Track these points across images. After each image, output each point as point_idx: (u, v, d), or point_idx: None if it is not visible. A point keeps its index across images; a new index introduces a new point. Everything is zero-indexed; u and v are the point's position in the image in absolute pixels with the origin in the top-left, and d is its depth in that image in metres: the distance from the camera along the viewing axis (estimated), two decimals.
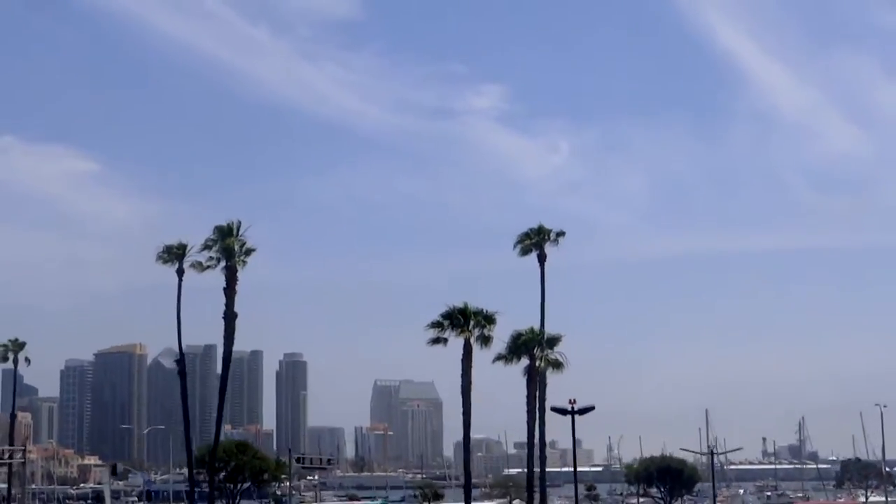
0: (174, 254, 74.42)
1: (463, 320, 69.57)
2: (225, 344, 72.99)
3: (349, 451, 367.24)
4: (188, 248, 74.31)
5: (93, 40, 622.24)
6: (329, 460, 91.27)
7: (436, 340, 70.71)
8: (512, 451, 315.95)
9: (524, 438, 76.67)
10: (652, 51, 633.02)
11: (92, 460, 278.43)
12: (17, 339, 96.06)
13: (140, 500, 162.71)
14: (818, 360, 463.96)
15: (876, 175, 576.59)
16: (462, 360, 69.73)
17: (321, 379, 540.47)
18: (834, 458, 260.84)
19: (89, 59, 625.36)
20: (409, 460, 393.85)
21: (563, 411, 55.64)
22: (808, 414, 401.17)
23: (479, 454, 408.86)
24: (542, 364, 71.38)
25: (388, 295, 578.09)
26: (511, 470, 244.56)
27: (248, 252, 73.03)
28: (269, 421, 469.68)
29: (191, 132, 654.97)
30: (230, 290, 72.35)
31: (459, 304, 70.17)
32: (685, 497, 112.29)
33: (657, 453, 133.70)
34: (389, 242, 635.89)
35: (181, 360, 77.65)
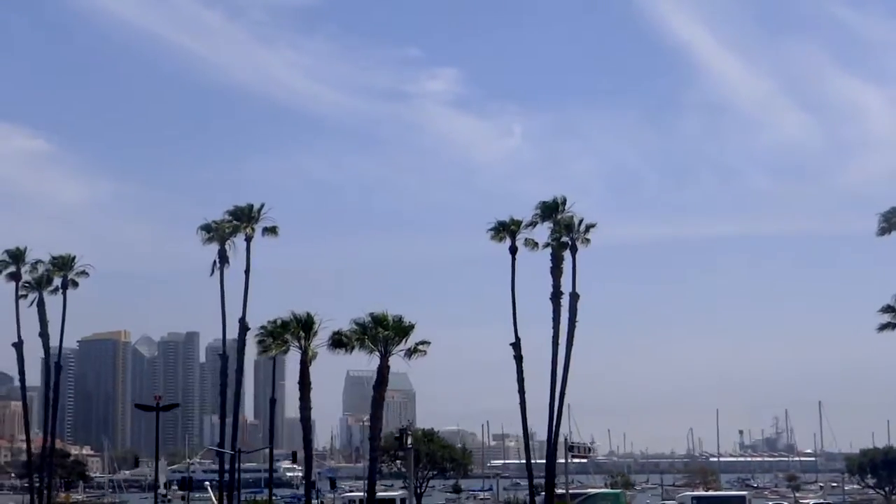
0: (508, 230, 69.00)
1: None
2: (568, 327, 67.47)
3: (321, 442, 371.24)
4: (521, 223, 69.07)
5: (44, 21, 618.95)
6: (589, 448, 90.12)
7: (884, 326, 67.86)
8: (492, 443, 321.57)
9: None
10: (606, 38, 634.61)
11: (86, 450, 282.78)
12: None
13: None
14: (775, 350, 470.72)
15: (826, 163, 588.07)
16: None
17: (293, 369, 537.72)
18: (810, 451, 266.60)
19: (41, 39, 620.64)
20: None
21: None
22: (773, 407, 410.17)
23: (457, 446, 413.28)
24: None
25: (343, 279, 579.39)
26: (493, 462, 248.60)
27: (588, 228, 68.33)
28: (248, 412, 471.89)
29: (144, 114, 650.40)
30: (557, 270, 67.42)
31: None
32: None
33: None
34: (343, 225, 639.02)
35: (517, 343, 68.68)
